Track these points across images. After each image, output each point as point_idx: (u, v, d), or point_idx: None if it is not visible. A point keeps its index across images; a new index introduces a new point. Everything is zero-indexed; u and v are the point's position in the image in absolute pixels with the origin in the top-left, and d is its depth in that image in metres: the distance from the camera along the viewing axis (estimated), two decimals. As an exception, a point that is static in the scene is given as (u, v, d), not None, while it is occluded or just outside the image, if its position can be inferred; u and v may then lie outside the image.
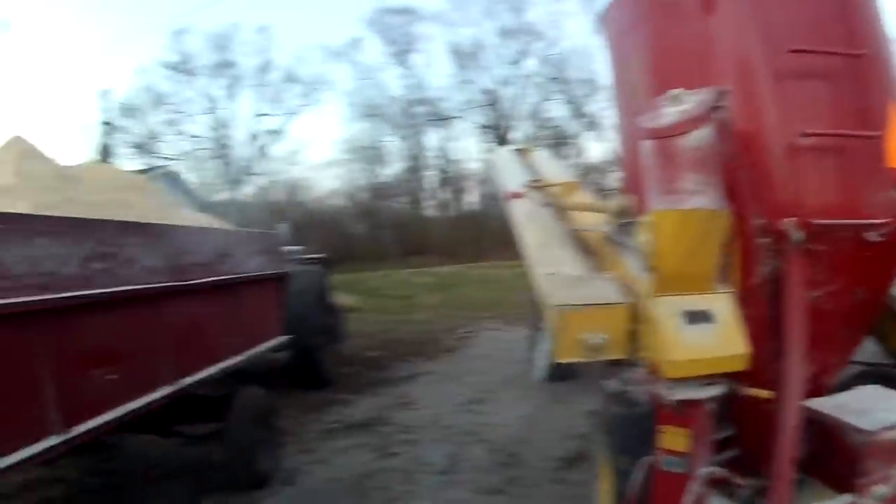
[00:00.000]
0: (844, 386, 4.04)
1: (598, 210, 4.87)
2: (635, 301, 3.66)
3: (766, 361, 3.48)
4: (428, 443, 7.41)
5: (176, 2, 65.56)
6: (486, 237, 43.25)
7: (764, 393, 3.45)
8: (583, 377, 8.95)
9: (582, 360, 3.65)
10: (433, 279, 27.01)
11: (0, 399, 3.70)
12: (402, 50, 51.56)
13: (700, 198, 3.25)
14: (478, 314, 17.93)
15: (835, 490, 3.49)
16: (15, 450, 3.71)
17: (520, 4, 48.98)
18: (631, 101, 4.67)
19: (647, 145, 3.48)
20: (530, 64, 50.47)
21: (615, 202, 4.49)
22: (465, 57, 50.91)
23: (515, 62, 50.26)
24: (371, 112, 52.72)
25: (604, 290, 3.84)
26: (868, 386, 3.97)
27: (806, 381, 3.47)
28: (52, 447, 3.96)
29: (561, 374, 8.84)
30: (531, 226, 5.30)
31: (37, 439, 3.89)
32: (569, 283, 3.98)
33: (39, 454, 3.88)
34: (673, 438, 3.43)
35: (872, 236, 3.57)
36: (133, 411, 4.82)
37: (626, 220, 4.27)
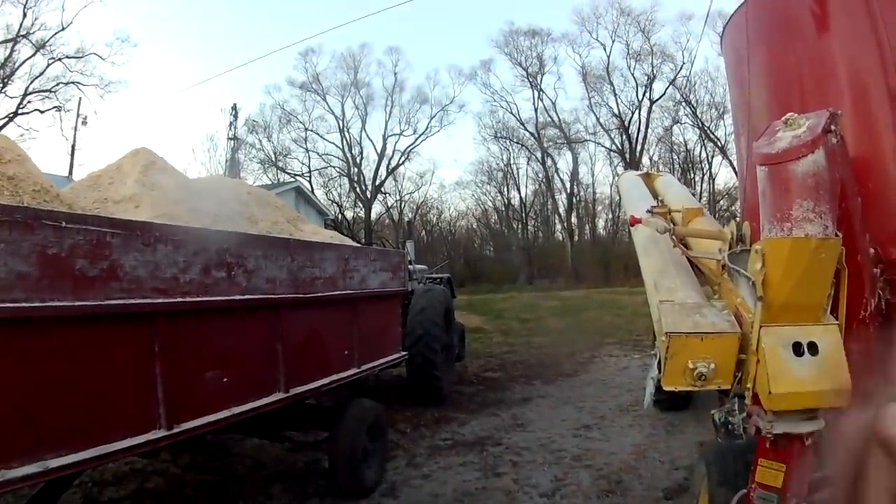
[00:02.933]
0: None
1: (715, 237, 4.75)
2: (745, 330, 3.55)
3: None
4: (535, 465, 7.33)
5: (305, 22, 67.69)
6: (614, 262, 42.84)
7: (864, 432, 3.29)
8: (696, 406, 8.77)
9: (688, 388, 3.58)
10: (558, 303, 26.86)
11: (112, 390, 3.91)
12: (531, 72, 51.69)
13: (812, 226, 3.12)
14: (599, 339, 17.67)
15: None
16: (121, 438, 3.90)
17: (648, 26, 48.57)
18: (750, 124, 4.57)
19: (761, 171, 3.38)
20: (659, 87, 49.90)
21: (731, 229, 4.38)
22: (594, 79, 50.68)
23: (645, 85, 49.73)
24: (501, 134, 53.03)
25: (715, 318, 3.75)
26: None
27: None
28: (155, 440, 4.15)
29: (671, 402, 8.66)
30: (650, 251, 5.23)
31: (143, 431, 4.07)
32: (682, 310, 3.90)
33: (143, 445, 4.07)
34: (768, 473, 3.31)
35: None
36: (241, 414, 4.98)
37: (741, 248, 4.16)
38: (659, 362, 3.97)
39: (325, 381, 6.22)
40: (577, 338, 18.05)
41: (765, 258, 3.29)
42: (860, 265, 3.42)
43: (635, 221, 5.24)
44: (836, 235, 3.15)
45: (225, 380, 4.85)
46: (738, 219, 4.46)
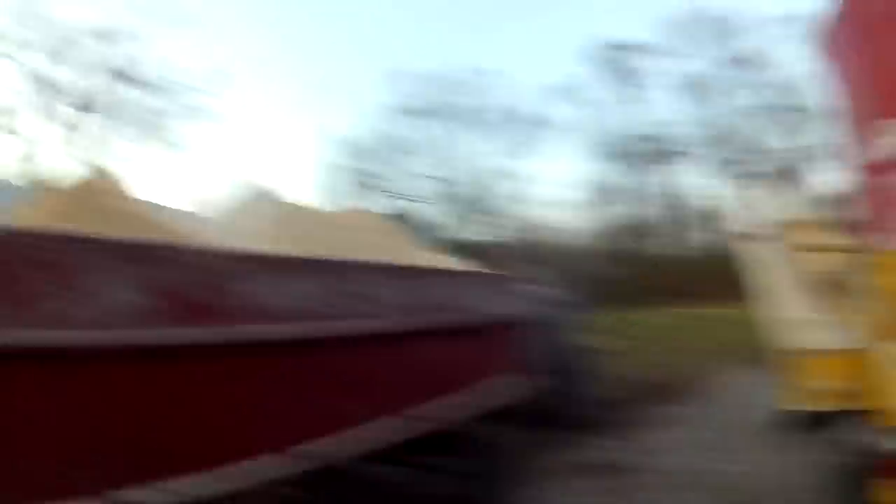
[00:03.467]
0: None
1: (830, 250, 4.62)
2: (865, 346, 3.45)
3: None
4: (659, 488, 7.28)
5: (397, 46, 68.66)
6: (734, 277, 41.59)
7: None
8: (819, 426, 8.49)
9: (810, 406, 3.51)
10: (683, 320, 26.33)
11: (239, 415, 4.09)
12: (625, 85, 50.70)
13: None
14: (727, 357, 17.21)
15: None
16: (245, 461, 4.03)
17: (738, 31, 46.94)
18: (854, 128, 4.42)
19: (874, 180, 3.29)
20: (756, 93, 48.17)
21: (847, 242, 4.26)
22: (688, 89, 49.35)
23: (740, 92, 48.12)
24: (601, 150, 52.24)
25: (835, 334, 3.66)
26: None
27: None
28: (280, 466, 4.26)
29: (794, 422, 8.39)
30: (764, 267, 5.13)
31: (267, 457, 4.18)
32: (800, 326, 3.82)
33: (266, 470, 4.18)
34: (888, 492, 3.20)
35: None
36: (368, 441, 5.09)
37: (858, 261, 4.04)
38: (781, 381, 3.88)
39: (454, 406, 6.29)
40: (703, 356, 17.84)
41: (884, 271, 3.20)
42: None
43: (749, 235, 5.15)
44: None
45: (357, 407, 4.98)
46: (852, 230, 4.32)
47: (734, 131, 49.03)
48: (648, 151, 51.21)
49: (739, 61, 47.62)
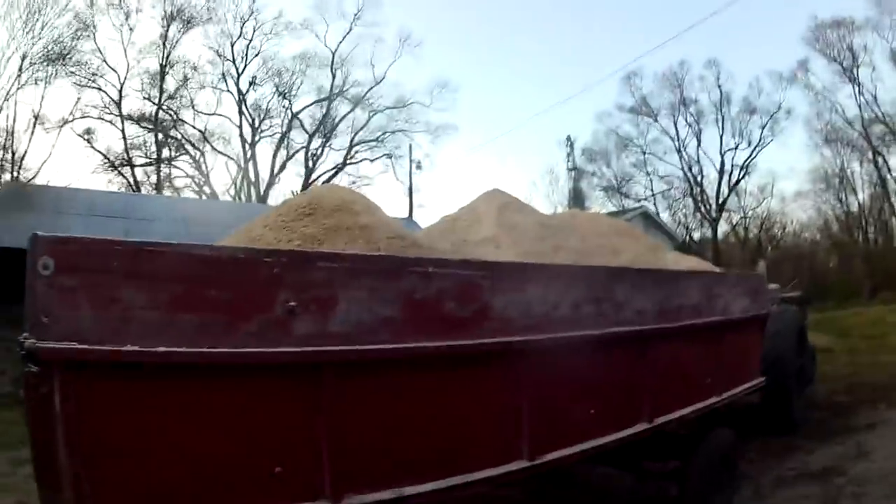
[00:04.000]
0: None
1: None
2: None
3: None
4: (874, 498, 7.15)
5: (625, 46, 68.07)
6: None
7: None
8: None
9: None
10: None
11: (476, 423, 4.25)
12: (846, 66, 47.54)
13: None
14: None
15: None
16: (482, 468, 4.19)
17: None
18: None
19: None
20: None
21: None
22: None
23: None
24: (831, 137, 49.36)
25: None
26: None
27: None
28: (517, 471, 4.41)
29: None
30: None
31: (504, 462, 4.34)
32: None
33: (504, 475, 4.34)
34: None
35: None
36: (603, 446, 5.15)
37: None
38: None
39: (687, 410, 6.27)
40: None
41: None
42: None
43: None
44: None
45: (591, 411, 5.03)
46: None
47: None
48: (879, 134, 47.79)
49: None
